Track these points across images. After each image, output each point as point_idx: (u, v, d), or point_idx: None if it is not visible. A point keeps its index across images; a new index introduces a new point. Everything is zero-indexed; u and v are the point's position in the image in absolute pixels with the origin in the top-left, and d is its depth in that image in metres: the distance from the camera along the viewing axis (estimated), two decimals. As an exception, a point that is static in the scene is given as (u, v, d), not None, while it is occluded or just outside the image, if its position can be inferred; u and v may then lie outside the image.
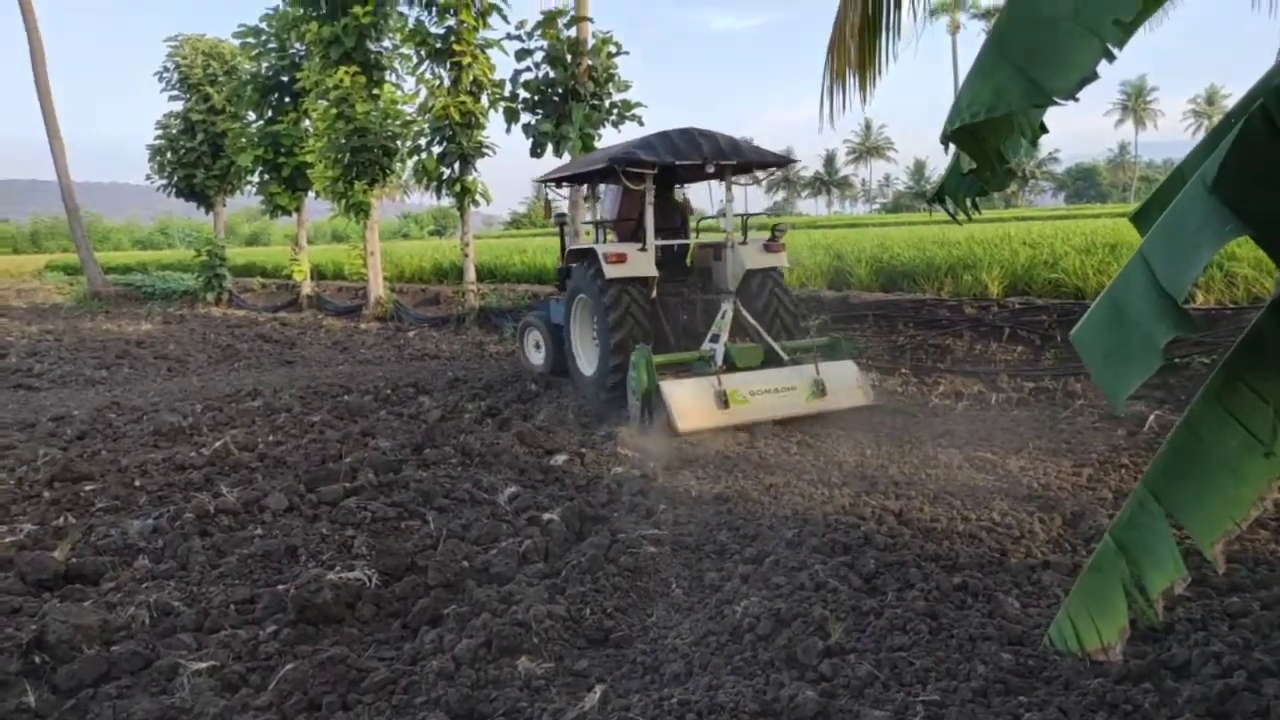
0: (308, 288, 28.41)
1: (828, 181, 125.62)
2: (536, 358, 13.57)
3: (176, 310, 28.48)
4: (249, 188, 29.36)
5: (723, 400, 9.30)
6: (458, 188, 21.11)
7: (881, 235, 22.88)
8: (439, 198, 21.89)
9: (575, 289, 11.41)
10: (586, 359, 11.56)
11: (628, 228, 12.05)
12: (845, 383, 9.98)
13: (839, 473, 8.00)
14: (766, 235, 11.43)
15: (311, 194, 25.71)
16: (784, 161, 10.93)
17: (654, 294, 10.90)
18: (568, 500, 7.36)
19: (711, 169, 10.62)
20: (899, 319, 13.99)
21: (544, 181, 12.66)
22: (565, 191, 15.71)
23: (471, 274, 22.57)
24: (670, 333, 11.16)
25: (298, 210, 26.99)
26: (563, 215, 13.26)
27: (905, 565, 5.78)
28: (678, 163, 10.40)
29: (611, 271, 10.42)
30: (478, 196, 21.30)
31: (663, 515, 7.04)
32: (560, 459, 8.63)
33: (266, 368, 16.06)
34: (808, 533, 6.40)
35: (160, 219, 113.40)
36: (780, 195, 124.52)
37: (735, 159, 10.56)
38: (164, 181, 33.42)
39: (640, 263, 10.61)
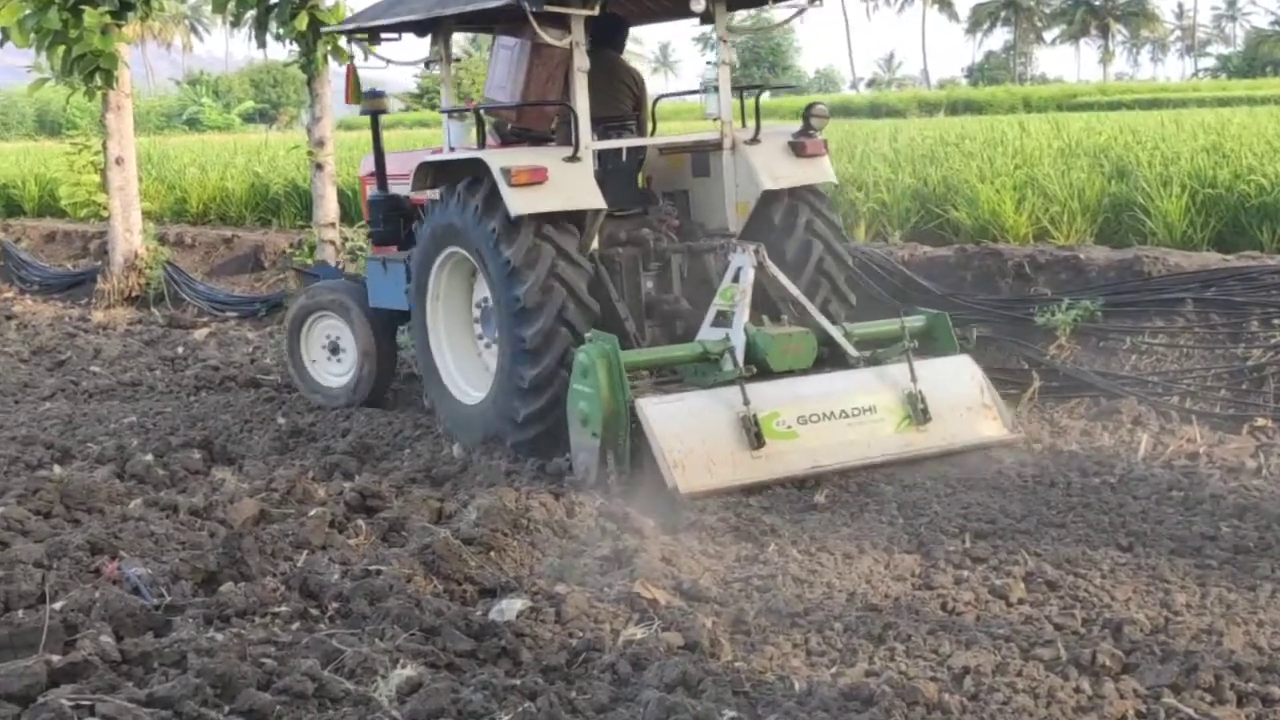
0: (-20, 235, 17.49)
1: (1098, 9, 70.57)
2: (333, 373, 8.83)
3: None
4: None
5: (754, 434, 6.24)
6: (302, 23, 11.57)
7: (1215, 125, 13.26)
8: (262, 45, 12.75)
9: (438, 240, 7.44)
10: (463, 374, 7.54)
11: (539, 120, 7.93)
12: (959, 397, 6.80)
13: (1113, 640, 4.40)
14: (794, 127, 7.61)
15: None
16: None
17: (595, 244, 7.16)
18: (525, 699, 4.25)
19: (699, 4, 6.87)
20: (1253, 309, 8.05)
21: (349, 35, 8.29)
22: (400, 51, 9.30)
23: (331, 206, 12.86)
24: (626, 314, 7.23)
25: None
26: (377, 96, 8.51)
27: None
28: None
29: (522, 202, 6.64)
30: (343, 42, 11.30)
31: (732, 736, 3.96)
32: (511, 607, 5.16)
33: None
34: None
35: None
36: (995, 36, 66.44)
37: None
38: None
39: (571, 184, 6.85)
